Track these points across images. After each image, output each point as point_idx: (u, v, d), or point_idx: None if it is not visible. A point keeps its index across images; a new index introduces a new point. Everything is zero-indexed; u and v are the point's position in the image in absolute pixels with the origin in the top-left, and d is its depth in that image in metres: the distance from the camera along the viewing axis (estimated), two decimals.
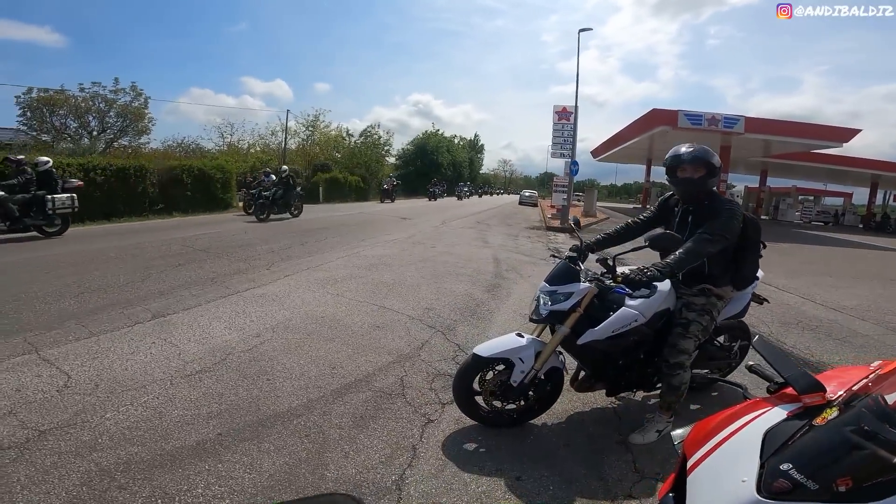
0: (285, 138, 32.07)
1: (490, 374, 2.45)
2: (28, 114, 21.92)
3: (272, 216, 12.83)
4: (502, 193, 57.39)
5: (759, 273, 2.79)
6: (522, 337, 2.43)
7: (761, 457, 1.04)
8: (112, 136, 23.84)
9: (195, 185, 14.15)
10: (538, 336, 2.52)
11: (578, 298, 2.33)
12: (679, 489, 1.13)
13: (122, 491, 1.89)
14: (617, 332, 2.31)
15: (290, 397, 2.76)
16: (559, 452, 2.36)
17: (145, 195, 12.69)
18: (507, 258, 8.16)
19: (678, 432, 1.28)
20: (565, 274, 2.42)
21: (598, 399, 2.88)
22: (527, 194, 35.67)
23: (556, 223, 15.69)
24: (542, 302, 2.41)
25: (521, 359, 2.35)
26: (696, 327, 2.39)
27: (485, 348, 2.41)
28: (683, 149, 2.45)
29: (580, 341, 2.33)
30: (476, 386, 2.46)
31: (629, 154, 30.60)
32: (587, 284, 2.36)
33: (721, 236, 2.28)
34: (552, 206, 20.22)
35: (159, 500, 1.85)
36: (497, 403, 2.47)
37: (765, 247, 2.72)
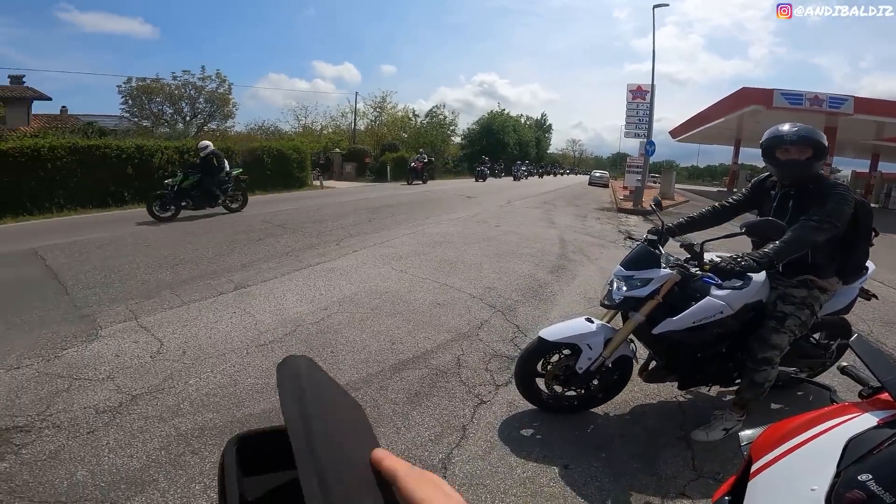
0: (354, 119, 33.23)
1: (555, 359, 2.40)
2: (129, 101, 24.42)
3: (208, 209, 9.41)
4: (568, 174, 55.08)
5: (870, 265, 2.48)
6: (592, 322, 2.33)
7: (839, 465, 0.93)
8: (202, 120, 25.96)
9: (274, 164, 15.08)
10: (608, 322, 2.42)
11: (658, 285, 2.18)
12: (738, 493, 1.05)
13: (195, 456, 2.04)
14: (698, 324, 2.14)
15: (350, 371, 2.89)
16: (613, 444, 2.29)
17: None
18: (573, 239, 7.87)
19: (747, 433, 1.19)
20: (644, 258, 2.27)
21: (663, 391, 2.75)
22: (597, 174, 34.08)
23: (629, 205, 14.88)
24: (615, 287, 2.29)
25: (588, 345, 2.26)
26: (792, 322, 2.17)
27: (551, 332, 2.35)
28: (786, 128, 2.20)
29: (656, 331, 2.20)
30: (539, 369, 2.41)
31: (714, 135, 28.08)
32: (668, 271, 2.20)
33: (830, 223, 2.03)
34: (624, 188, 19.17)
35: None
36: (559, 389, 2.41)
37: (876, 234, 2.41)
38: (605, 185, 29.63)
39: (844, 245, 2.25)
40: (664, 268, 2.21)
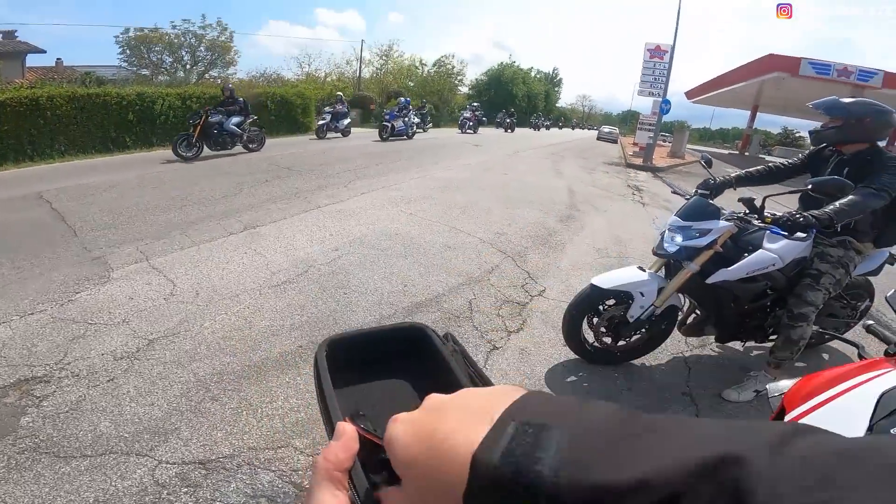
0: (360, 67, 32.19)
1: (603, 308, 2.41)
2: (127, 51, 23.58)
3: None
4: (574, 128, 53.34)
5: None
6: (644, 271, 2.35)
7: (871, 420, 0.93)
8: (203, 68, 25.16)
9: (278, 110, 14.88)
10: (656, 271, 2.41)
11: (716, 236, 2.18)
12: None
13: (214, 402, 2.02)
14: (750, 275, 2.19)
15: (364, 312, 2.89)
16: (621, 396, 2.32)
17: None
18: (582, 191, 7.75)
19: (778, 384, 1.19)
20: (702, 210, 2.26)
21: (671, 348, 2.75)
22: (606, 130, 33.25)
23: (638, 161, 14.55)
24: (669, 237, 2.28)
25: (641, 293, 2.28)
26: (828, 280, 2.22)
27: (604, 280, 2.35)
28: (846, 99, 2.24)
29: (711, 280, 2.22)
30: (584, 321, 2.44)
31: (731, 98, 27.34)
32: (726, 222, 2.19)
33: (887, 192, 2.09)
34: (635, 144, 18.67)
35: (244, 412, 1.97)
36: (607, 339, 2.43)
37: None
38: (614, 142, 28.92)
39: (886, 215, 2.27)
40: (723, 219, 2.21)
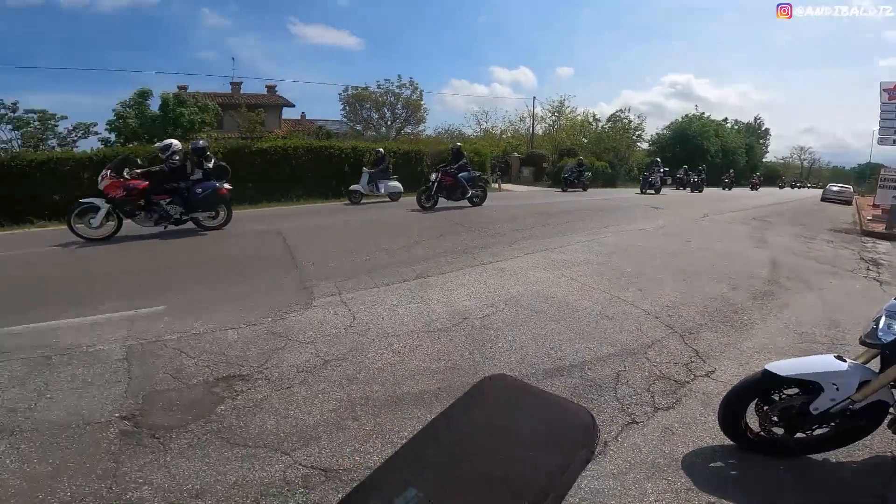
0: (532, 124, 33.39)
1: (778, 397, 2.13)
2: (346, 108, 28.92)
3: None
4: (798, 187, 44.61)
5: None
6: (844, 361, 2.01)
7: None
8: (399, 124, 29.38)
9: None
10: (864, 362, 2.05)
11: None
12: None
13: (355, 422, 2.35)
14: None
15: (504, 368, 2.97)
16: (781, 496, 1.92)
17: (422, 174, 15.30)
18: (790, 263, 6.48)
19: None
20: None
21: (872, 443, 2.21)
22: (835, 188, 26.82)
23: (879, 228, 11.48)
24: (887, 324, 1.95)
25: (835, 385, 1.96)
26: None
27: (783, 367, 2.07)
28: None
29: None
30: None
31: None
32: None
33: None
34: (875, 206, 14.86)
35: (375, 436, 2.25)
36: (778, 430, 2.13)
37: None
38: (847, 202, 23.29)
39: None
40: None
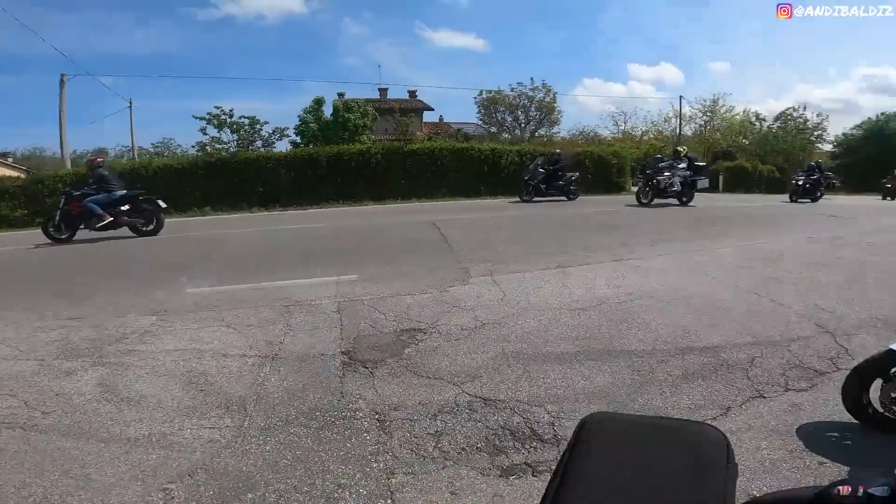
0: (679, 125, 30.61)
1: None
2: (482, 111, 30.03)
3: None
4: None
5: None
6: None
7: None
8: (534, 127, 29.63)
9: (595, 169, 16.18)
10: None
11: None
12: None
13: (508, 368, 2.96)
14: None
15: (638, 342, 3.35)
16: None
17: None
18: None
19: None
20: None
21: None
22: None
23: None
24: None
25: None
26: None
27: None
28: None
29: None
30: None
31: None
32: None
33: None
34: None
35: (524, 378, 2.83)
36: None
37: None
38: None
39: None
40: None
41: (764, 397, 2.63)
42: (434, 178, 13.80)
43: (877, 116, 33.38)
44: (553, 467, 1.78)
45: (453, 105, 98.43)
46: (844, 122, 67.21)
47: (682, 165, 12.62)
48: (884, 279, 5.11)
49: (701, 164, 14.04)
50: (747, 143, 30.31)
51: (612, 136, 32.56)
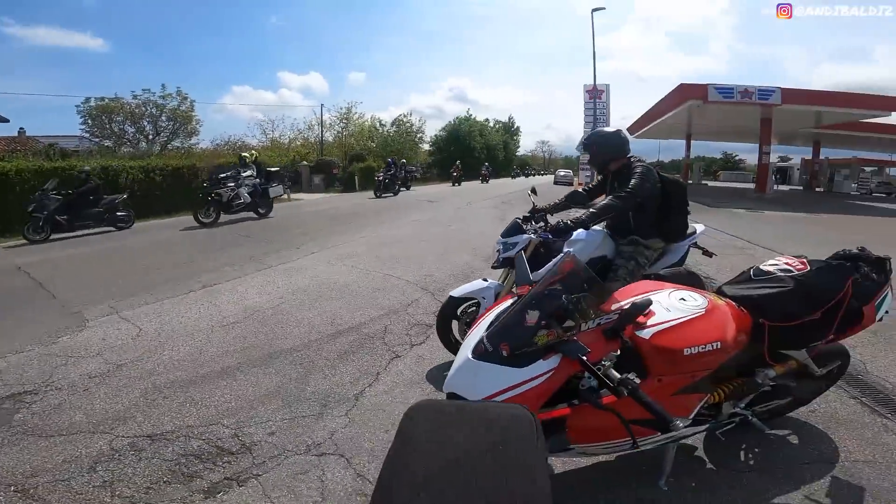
0: (321, 132, 33.38)
1: (462, 312, 3.12)
2: (89, 121, 24.04)
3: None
4: (534, 175, 55.52)
5: (699, 227, 3.22)
6: (486, 281, 3.08)
7: (487, 329, 1.64)
8: (166, 138, 25.87)
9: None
10: (502, 281, 3.14)
11: (523, 246, 2.94)
12: None
13: (166, 399, 2.73)
14: None
15: (294, 339, 3.61)
16: None
17: (200, 190, 13.93)
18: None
19: None
20: (514, 229, 3.11)
21: None
22: (561, 174, 35.89)
23: None
24: (495, 251, 3.12)
25: (483, 297, 3.00)
26: (623, 271, 2.85)
27: (457, 291, 3.11)
28: (588, 136, 3.12)
29: (533, 278, 2.87)
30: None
31: (667, 130, 29.82)
32: (528, 235, 3.02)
33: (630, 194, 2.76)
34: (580, 184, 20.35)
35: (188, 405, 2.67)
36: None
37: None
38: (570, 184, 30.94)
39: (661, 214, 2.97)
40: (526, 234, 3.03)
41: (399, 356, 3.33)
42: (13, 209, 9.89)
43: (454, 120, 45.94)
44: (255, 472, 1.67)
45: (44, 115, 72.67)
46: (437, 125, 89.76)
47: (249, 173, 11.43)
48: (459, 246, 7.30)
49: (273, 169, 12.89)
50: (374, 145, 35.33)
51: (261, 144, 32.07)
